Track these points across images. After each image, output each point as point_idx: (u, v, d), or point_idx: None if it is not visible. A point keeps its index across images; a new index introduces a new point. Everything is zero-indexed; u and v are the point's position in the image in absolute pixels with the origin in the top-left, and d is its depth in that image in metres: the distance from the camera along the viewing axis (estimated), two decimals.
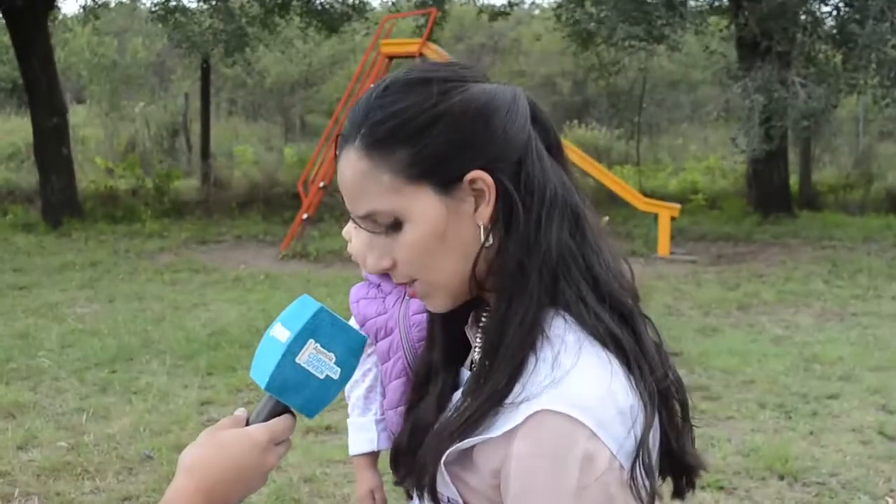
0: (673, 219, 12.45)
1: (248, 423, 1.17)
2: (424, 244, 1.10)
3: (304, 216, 12.76)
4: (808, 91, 12.96)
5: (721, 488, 4.57)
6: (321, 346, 1.15)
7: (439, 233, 1.09)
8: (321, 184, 12.84)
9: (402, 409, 1.79)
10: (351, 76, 15.98)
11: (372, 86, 1.16)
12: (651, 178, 19.48)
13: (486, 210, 1.10)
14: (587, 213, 1.15)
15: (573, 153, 10.87)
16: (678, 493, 1.17)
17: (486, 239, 1.10)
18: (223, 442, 1.14)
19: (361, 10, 17.28)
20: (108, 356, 6.92)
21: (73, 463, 4.88)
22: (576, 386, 1.03)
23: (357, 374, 1.70)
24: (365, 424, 2.34)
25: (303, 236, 12.80)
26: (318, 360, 1.15)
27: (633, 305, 1.13)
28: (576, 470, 0.99)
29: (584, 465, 0.99)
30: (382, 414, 2.32)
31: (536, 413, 1.02)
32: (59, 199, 14.53)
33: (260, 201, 16.59)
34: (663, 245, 12.19)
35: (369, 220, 1.12)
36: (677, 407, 1.15)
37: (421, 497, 1.15)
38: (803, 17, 14.31)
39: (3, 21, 15.75)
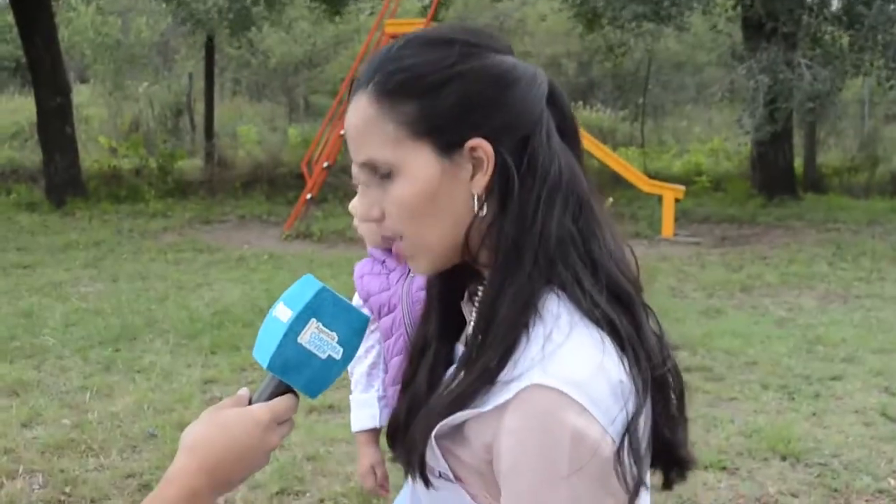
0: (677, 201, 12.43)
1: (250, 403, 1.17)
2: (414, 201, 1.09)
3: (308, 196, 12.75)
4: (813, 73, 12.91)
5: (723, 468, 4.58)
6: (323, 325, 1.14)
7: (431, 193, 1.09)
8: (325, 164, 12.82)
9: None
10: (355, 56, 15.94)
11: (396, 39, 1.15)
12: (655, 160, 19.44)
13: (481, 179, 1.09)
14: (594, 201, 1.14)
15: None
16: (667, 484, 1.17)
17: (480, 209, 1.10)
18: (225, 421, 1.14)
19: None
20: (111, 335, 6.93)
21: (77, 440, 4.90)
22: (567, 362, 1.02)
23: (360, 350, 1.71)
24: (367, 401, 2.35)
25: (306, 217, 12.79)
26: (320, 340, 1.14)
27: (635, 294, 1.12)
28: (567, 445, 0.98)
29: (574, 441, 0.98)
30: (384, 390, 2.33)
31: (527, 388, 1.01)
32: (62, 179, 14.52)
33: (264, 181, 16.57)
34: (667, 227, 12.18)
35: (367, 167, 1.12)
36: (674, 399, 1.13)
37: (413, 472, 1.15)
38: None
39: (7, 0, 15.69)
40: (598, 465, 0.99)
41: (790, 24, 13.60)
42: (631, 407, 1.02)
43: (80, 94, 22.50)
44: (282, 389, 1.17)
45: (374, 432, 2.37)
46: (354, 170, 1.14)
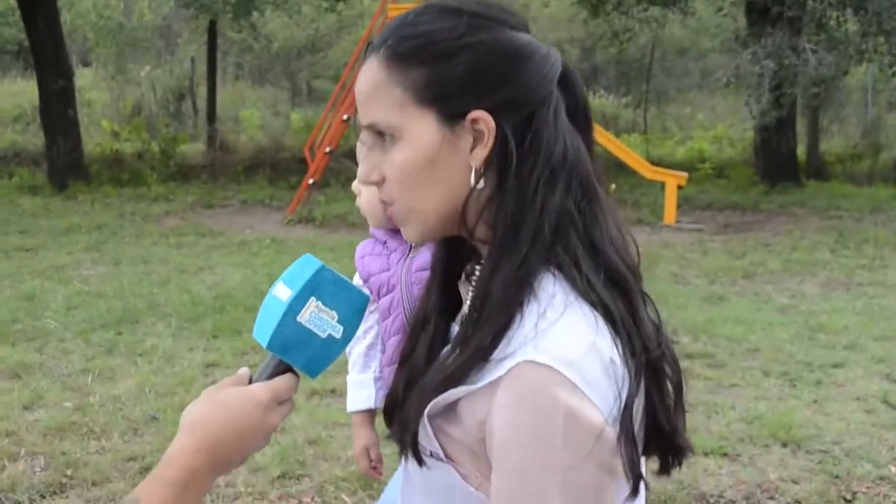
0: (680, 187, 12.41)
1: (251, 383, 1.17)
2: (412, 167, 1.09)
3: (311, 181, 12.74)
4: (818, 58, 12.86)
5: (724, 455, 4.58)
6: (323, 304, 1.14)
7: (429, 160, 1.09)
8: (327, 149, 12.80)
9: None
10: (358, 41, 15.90)
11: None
12: (658, 147, 19.40)
13: (481, 152, 1.09)
14: (598, 185, 1.13)
15: None
16: (664, 469, 1.16)
17: (477, 182, 1.10)
18: (225, 401, 1.13)
19: None
20: (113, 318, 6.94)
21: (79, 423, 4.90)
22: (560, 339, 1.02)
23: (359, 331, 1.71)
24: (364, 381, 2.35)
25: (309, 201, 12.79)
26: (319, 319, 1.14)
27: (633, 281, 1.12)
28: (559, 422, 0.98)
29: (567, 418, 0.98)
30: (381, 371, 2.33)
31: (519, 364, 1.01)
32: (65, 162, 14.52)
33: (266, 166, 16.56)
34: (670, 213, 12.17)
35: (371, 129, 1.12)
36: (670, 387, 1.13)
37: (405, 450, 1.15)
38: None
39: None
40: (590, 443, 0.99)
41: (795, 9, 13.55)
42: (624, 390, 1.02)
43: (83, 78, 22.47)
44: (282, 369, 1.17)
45: (370, 413, 2.38)
46: (361, 133, 1.15)
